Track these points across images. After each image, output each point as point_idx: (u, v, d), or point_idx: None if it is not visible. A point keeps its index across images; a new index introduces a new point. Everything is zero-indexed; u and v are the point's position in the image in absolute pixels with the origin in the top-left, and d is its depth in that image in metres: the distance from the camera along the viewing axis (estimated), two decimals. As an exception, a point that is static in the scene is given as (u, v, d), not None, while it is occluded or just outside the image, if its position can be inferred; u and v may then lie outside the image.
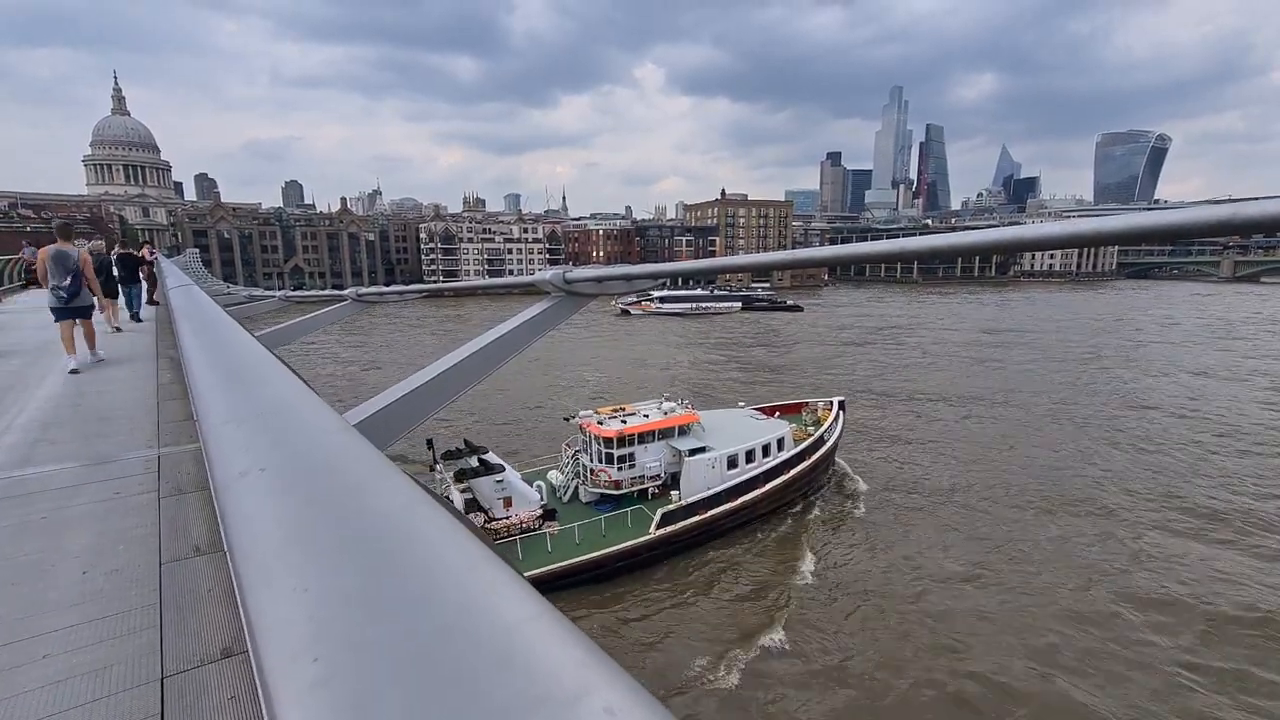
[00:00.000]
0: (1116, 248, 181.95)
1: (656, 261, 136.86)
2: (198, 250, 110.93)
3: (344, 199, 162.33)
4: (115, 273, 14.65)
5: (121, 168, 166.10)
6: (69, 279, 8.78)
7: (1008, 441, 33.81)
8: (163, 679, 1.76)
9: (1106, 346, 65.49)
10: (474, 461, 22.60)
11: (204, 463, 2.73)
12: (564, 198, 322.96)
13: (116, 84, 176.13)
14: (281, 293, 26.40)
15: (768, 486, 24.12)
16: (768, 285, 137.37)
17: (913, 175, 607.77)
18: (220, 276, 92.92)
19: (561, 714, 0.60)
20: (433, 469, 23.79)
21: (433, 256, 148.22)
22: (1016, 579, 20.17)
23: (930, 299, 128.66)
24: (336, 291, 15.41)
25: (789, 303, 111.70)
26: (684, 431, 24.76)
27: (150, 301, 16.68)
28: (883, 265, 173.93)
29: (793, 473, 25.00)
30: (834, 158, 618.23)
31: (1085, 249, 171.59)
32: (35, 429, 4.85)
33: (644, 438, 23.73)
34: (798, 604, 19.24)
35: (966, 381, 49.42)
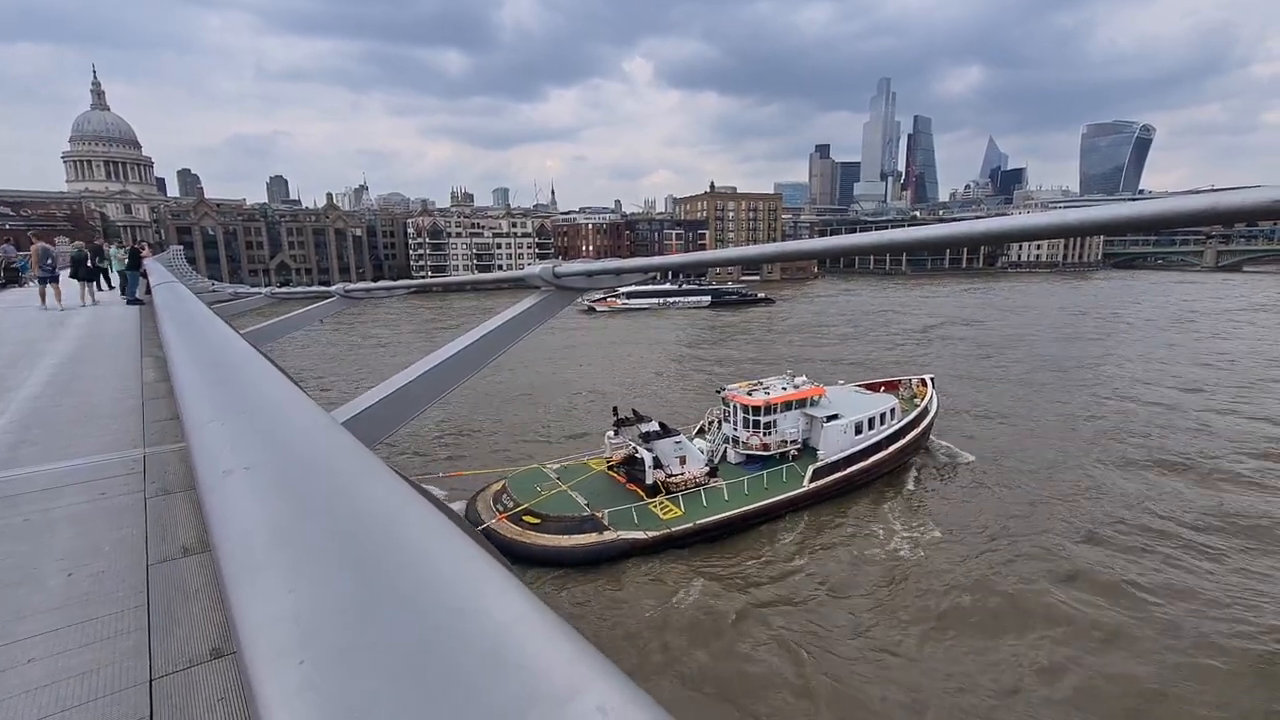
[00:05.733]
0: (1102, 238, 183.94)
1: (646, 255, 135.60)
2: (181, 247, 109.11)
3: (330, 194, 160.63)
4: (92, 263, 19.71)
5: (102, 164, 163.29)
6: (49, 261, 16.45)
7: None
8: (151, 681, 1.75)
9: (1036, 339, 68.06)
10: (656, 425, 25.49)
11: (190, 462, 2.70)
12: (553, 192, 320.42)
13: (95, 78, 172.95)
14: (268, 289, 26.28)
15: (891, 449, 27.93)
16: (757, 278, 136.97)
17: (901, 167, 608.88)
18: (205, 274, 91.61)
19: (554, 713, 0.59)
20: (615, 434, 26.42)
21: (421, 252, 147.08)
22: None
23: (900, 289, 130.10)
24: (323, 288, 15.31)
25: (760, 296, 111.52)
26: (814, 402, 28.48)
27: (138, 300, 16.77)
28: (871, 257, 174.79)
29: (909, 437, 29.04)
30: (823, 150, 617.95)
31: (1071, 239, 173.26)
32: (16, 429, 4.76)
33: (784, 407, 27.38)
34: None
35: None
